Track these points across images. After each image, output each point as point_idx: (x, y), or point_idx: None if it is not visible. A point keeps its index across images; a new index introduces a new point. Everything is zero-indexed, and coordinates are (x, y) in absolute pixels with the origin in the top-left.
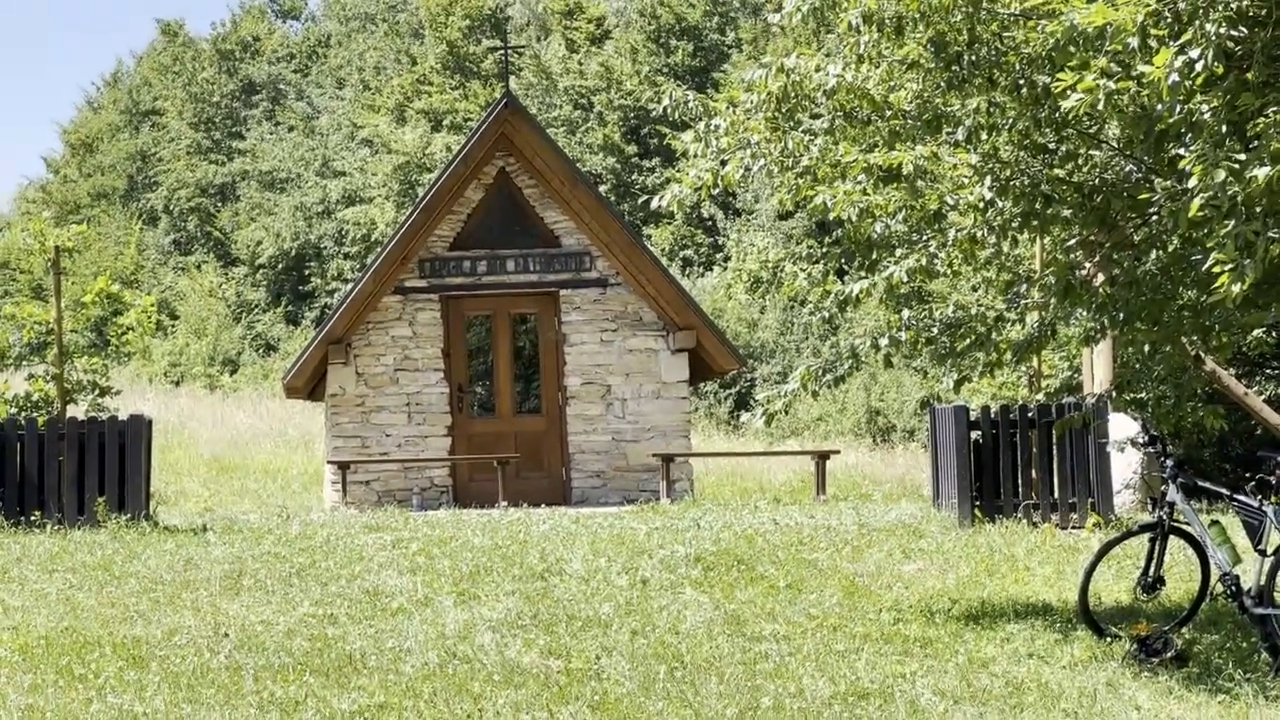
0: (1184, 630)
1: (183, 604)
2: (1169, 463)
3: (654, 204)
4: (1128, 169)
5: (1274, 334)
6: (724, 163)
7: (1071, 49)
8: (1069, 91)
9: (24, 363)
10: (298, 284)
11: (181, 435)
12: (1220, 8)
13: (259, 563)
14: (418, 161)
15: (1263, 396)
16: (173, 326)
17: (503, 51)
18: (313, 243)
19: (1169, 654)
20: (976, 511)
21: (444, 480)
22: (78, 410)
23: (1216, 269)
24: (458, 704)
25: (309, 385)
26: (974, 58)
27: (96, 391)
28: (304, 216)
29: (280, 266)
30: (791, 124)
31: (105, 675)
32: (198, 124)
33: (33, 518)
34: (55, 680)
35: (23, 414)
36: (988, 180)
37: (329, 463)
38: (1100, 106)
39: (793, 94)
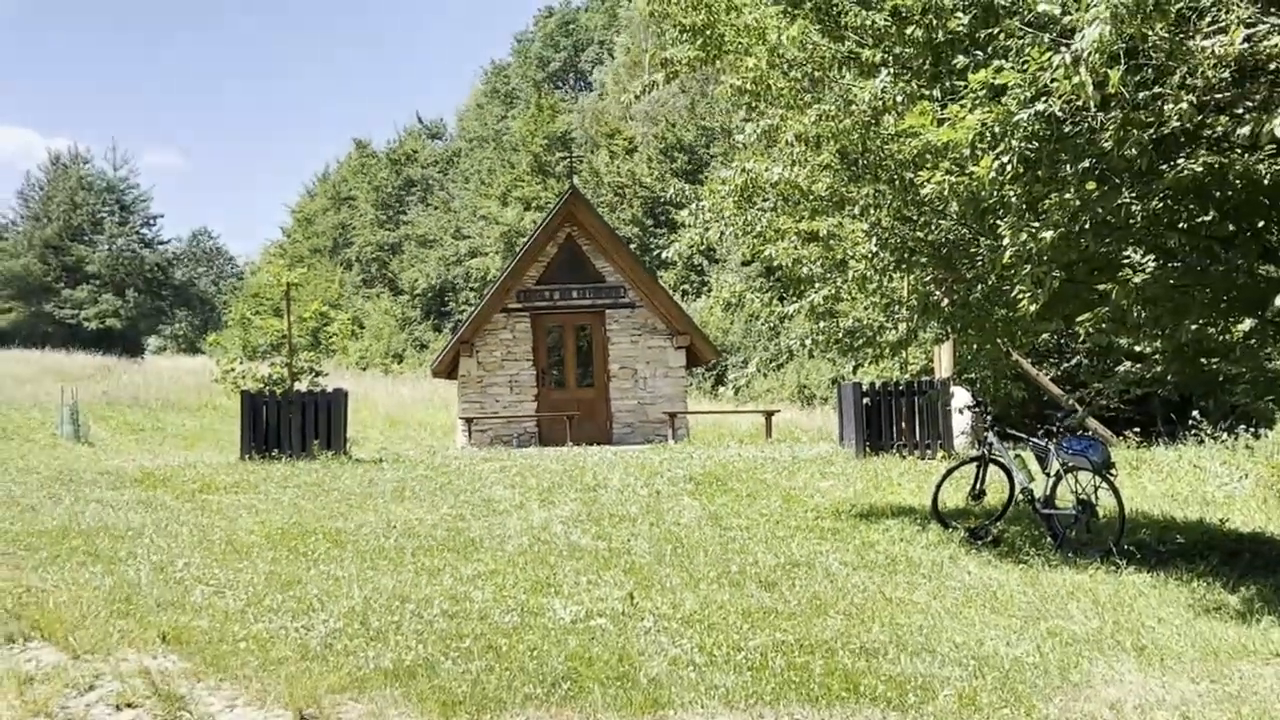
0: (998, 524)
1: (367, 508)
2: (989, 418)
3: (664, 255)
4: (963, 232)
5: (1055, 336)
6: (707, 229)
7: (928, 156)
8: (926, 183)
9: (267, 355)
10: (440, 307)
11: (367, 401)
12: (1020, 130)
13: (415, 482)
14: (515, 229)
15: (1048, 376)
16: (361, 333)
17: (568, 159)
18: (450, 280)
19: (989, 538)
20: (867, 449)
21: (533, 429)
22: (301, 386)
23: (1020, 296)
24: (540, 570)
25: (448, 370)
26: (865, 162)
27: (313, 374)
28: (444, 264)
29: (430, 295)
30: (750, 205)
31: (318, 552)
32: (377, 205)
33: (273, 454)
34: (287, 555)
35: (267, 388)
36: (874, 240)
37: (460, 418)
38: (945, 193)
39: (750, 186)
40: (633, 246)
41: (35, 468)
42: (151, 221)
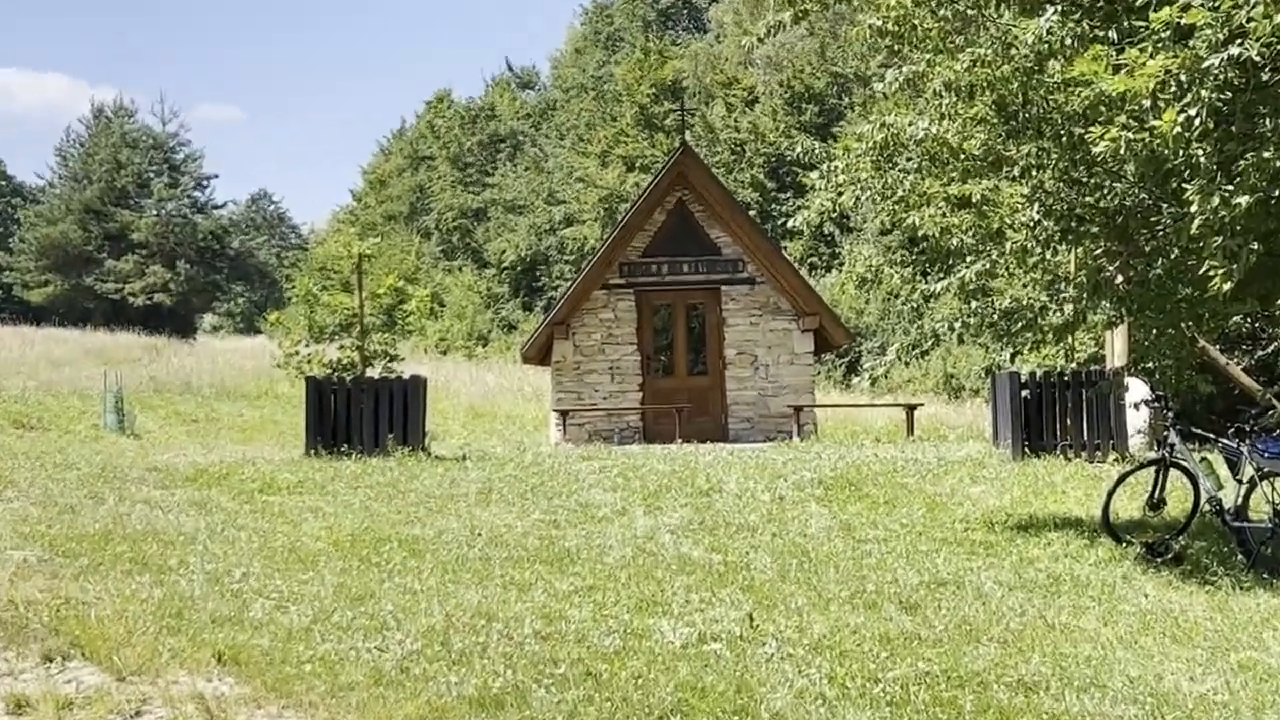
0: (1180, 538)
1: (448, 512)
2: (1170, 415)
3: (790, 224)
4: (1141, 197)
5: (1248, 319)
6: (840, 194)
7: (1101, 108)
8: (1098, 140)
9: (336, 337)
10: (531, 282)
11: (447, 390)
12: (1210, 79)
13: (503, 483)
14: (617, 193)
15: (1240, 366)
16: (441, 312)
17: (679, 112)
18: (542, 252)
19: (1169, 555)
20: (1025, 449)
21: (636, 423)
22: (374, 371)
23: (1210, 272)
24: (645, 586)
25: (540, 355)
26: (1026, 115)
27: (387, 358)
28: (536, 233)
29: (519, 269)
30: (890, 165)
31: (393, 563)
32: (459, 165)
33: (342, 449)
34: (358, 565)
35: (335, 374)
36: (1035, 206)
37: (553, 410)
38: (1121, 151)
39: (891, 143)
40: (753, 213)
41: (75, 463)
42: (205, 183)
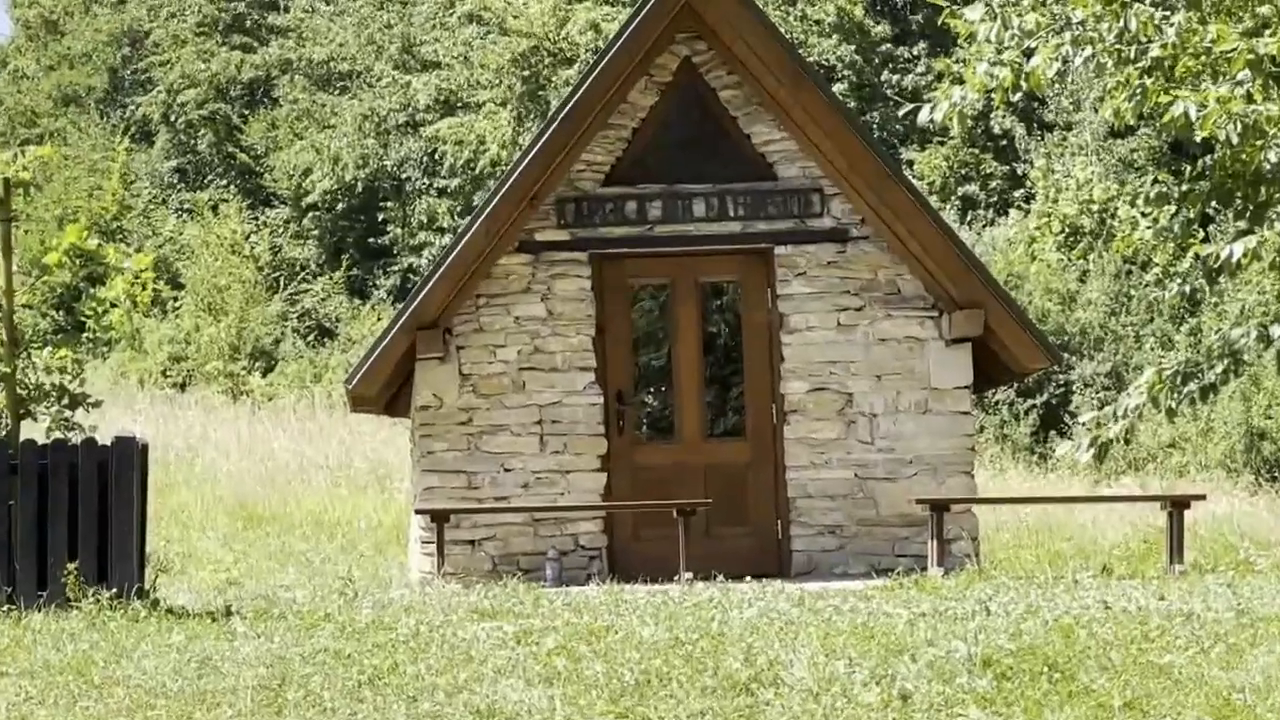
0: None
1: None
2: None
3: (921, 116)
4: None
5: None
6: (1029, 53)
7: None
8: None
9: None
10: (366, 235)
11: (191, 467)
12: None
13: (311, 666)
14: (552, 47)
15: None
16: (176, 300)
17: None
18: (389, 171)
19: None
20: None
21: (595, 539)
22: (36, 429)
23: None
24: None
25: (386, 392)
26: None
27: (64, 400)
28: (376, 131)
29: (340, 208)
30: None
31: None
32: None
33: None
34: None
35: None
36: None
37: (417, 511)
38: None
39: None
40: (840, 92)
41: None
42: None
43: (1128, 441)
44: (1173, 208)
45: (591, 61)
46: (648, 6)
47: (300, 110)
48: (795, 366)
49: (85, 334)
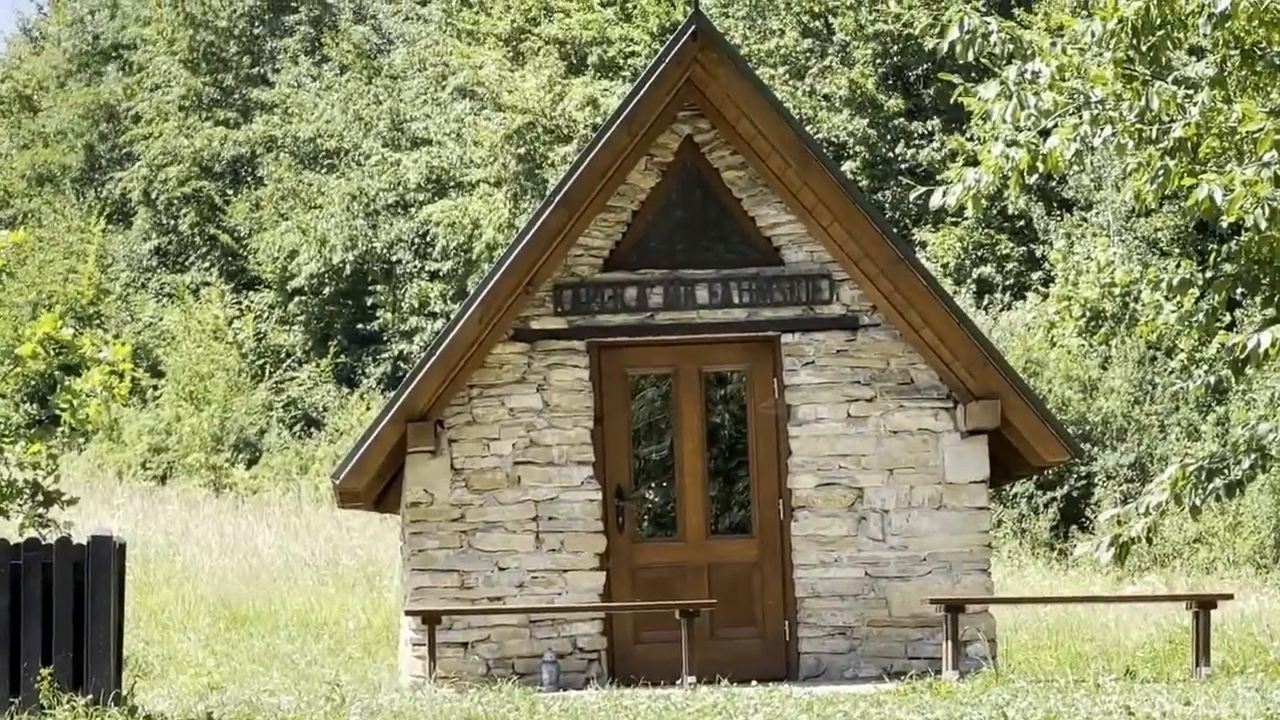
0: None
1: None
2: None
3: (934, 200)
4: None
5: None
6: (1046, 132)
7: None
8: None
9: None
10: (355, 321)
11: (172, 564)
12: None
13: None
14: (548, 124)
15: None
16: (156, 388)
17: None
18: (379, 253)
19: None
20: None
21: (594, 641)
22: (8, 527)
23: None
24: None
25: (376, 486)
26: None
27: (38, 497)
28: (365, 211)
29: (328, 292)
30: (1157, 69)
31: None
32: (197, 61)
33: None
34: None
35: None
36: None
37: (408, 612)
38: None
39: (1161, 21)
40: (850, 171)
41: None
42: None
43: (1150, 540)
44: (1197, 292)
45: (589, 139)
46: (648, 83)
47: (286, 189)
48: (803, 460)
49: (60, 427)
